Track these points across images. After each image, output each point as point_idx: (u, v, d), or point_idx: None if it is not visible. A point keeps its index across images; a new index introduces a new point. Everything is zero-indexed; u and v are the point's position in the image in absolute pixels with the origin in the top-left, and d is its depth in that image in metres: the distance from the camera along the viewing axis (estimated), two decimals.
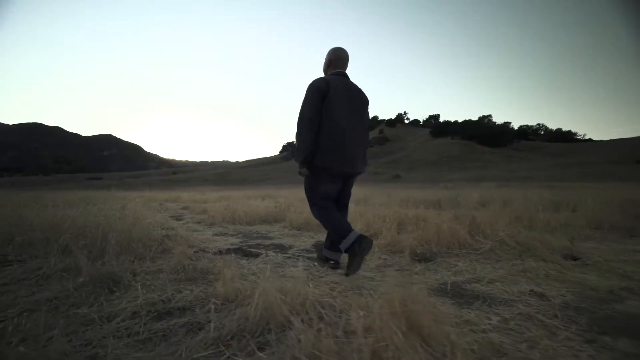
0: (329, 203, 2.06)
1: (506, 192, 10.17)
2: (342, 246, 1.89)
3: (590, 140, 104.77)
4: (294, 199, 7.36)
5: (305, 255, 2.51)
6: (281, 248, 2.78)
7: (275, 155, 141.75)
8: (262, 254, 2.49)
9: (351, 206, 4.52)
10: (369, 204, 6.19)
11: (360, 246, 1.81)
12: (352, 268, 1.82)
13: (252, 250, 2.64)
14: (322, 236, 3.39)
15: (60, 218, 2.62)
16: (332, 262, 2.15)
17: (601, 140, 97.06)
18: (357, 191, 10.66)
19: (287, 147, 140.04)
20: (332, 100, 1.95)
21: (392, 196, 8.83)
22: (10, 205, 4.19)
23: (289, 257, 2.43)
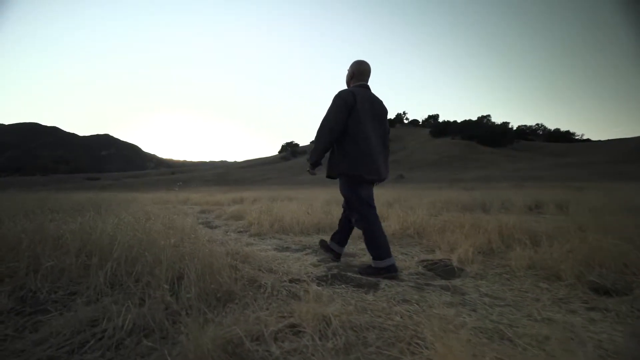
0: (375, 213, 2.10)
1: (540, 193, 9.60)
2: (375, 265, 2.01)
3: (588, 140, 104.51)
4: (322, 201, 6.72)
5: (434, 284, 1.88)
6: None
7: (274, 156, 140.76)
8: (375, 282, 1.86)
9: (424, 215, 3.90)
10: (410, 208, 5.55)
11: (388, 273, 1.97)
12: (366, 275, 2.01)
13: (353, 275, 2.00)
14: (412, 248, 2.77)
15: (98, 234, 1.97)
16: (332, 255, 2.39)
17: (599, 140, 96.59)
18: (380, 192, 10.02)
19: (286, 147, 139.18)
20: (359, 112, 2.02)
21: (421, 198, 8.14)
22: (23, 212, 3.53)
23: (415, 287, 1.79)
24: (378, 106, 2.15)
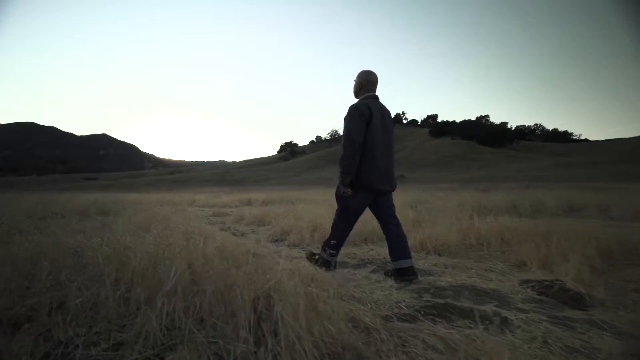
0: (353, 221, 2.20)
1: (560, 194, 9.17)
2: (323, 254, 2.12)
3: (586, 140, 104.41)
4: None
5: (575, 317, 1.45)
6: (497, 298, 1.72)
7: (273, 156, 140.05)
8: (495, 315, 1.44)
9: (472, 220, 3.46)
10: (439, 210, 5.12)
11: (324, 267, 1.95)
12: (308, 257, 2.26)
13: (455, 302, 1.58)
14: (492, 263, 2.35)
15: (138, 259, 1.53)
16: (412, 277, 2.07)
17: (597, 141, 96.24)
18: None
19: (285, 147, 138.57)
20: (373, 124, 2.05)
21: (444, 200, 7.68)
22: (30, 219, 3.10)
23: (557, 324, 1.38)
24: (388, 117, 2.21)
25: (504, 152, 75.91)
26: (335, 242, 2.12)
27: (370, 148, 2.05)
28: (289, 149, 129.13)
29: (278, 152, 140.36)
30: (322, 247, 2.19)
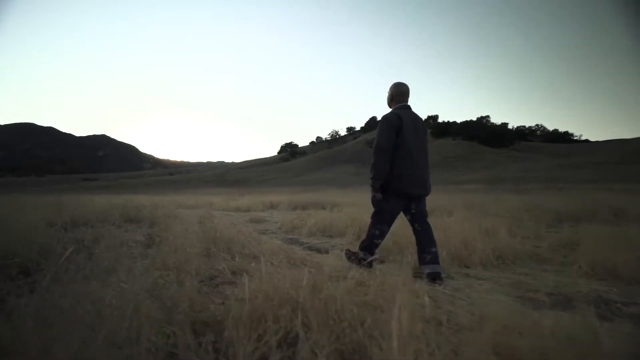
0: (386, 225, 2.28)
1: (603, 197, 8.44)
2: (360, 255, 2.26)
3: (587, 141, 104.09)
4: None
5: None
6: None
7: (273, 156, 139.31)
8: None
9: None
10: (509, 217, 4.44)
11: (363, 264, 2.11)
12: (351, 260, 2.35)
13: None
14: None
15: None
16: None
17: (597, 141, 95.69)
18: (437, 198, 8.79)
19: (285, 148, 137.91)
20: (404, 132, 2.18)
21: (499, 203, 6.87)
22: (59, 232, 2.39)
23: None
24: (420, 124, 2.30)
25: (505, 153, 75.50)
26: (367, 243, 2.28)
27: (403, 154, 2.16)
28: (289, 150, 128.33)
29: (278, 152, 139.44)
30: (360, 246, 2.34)
